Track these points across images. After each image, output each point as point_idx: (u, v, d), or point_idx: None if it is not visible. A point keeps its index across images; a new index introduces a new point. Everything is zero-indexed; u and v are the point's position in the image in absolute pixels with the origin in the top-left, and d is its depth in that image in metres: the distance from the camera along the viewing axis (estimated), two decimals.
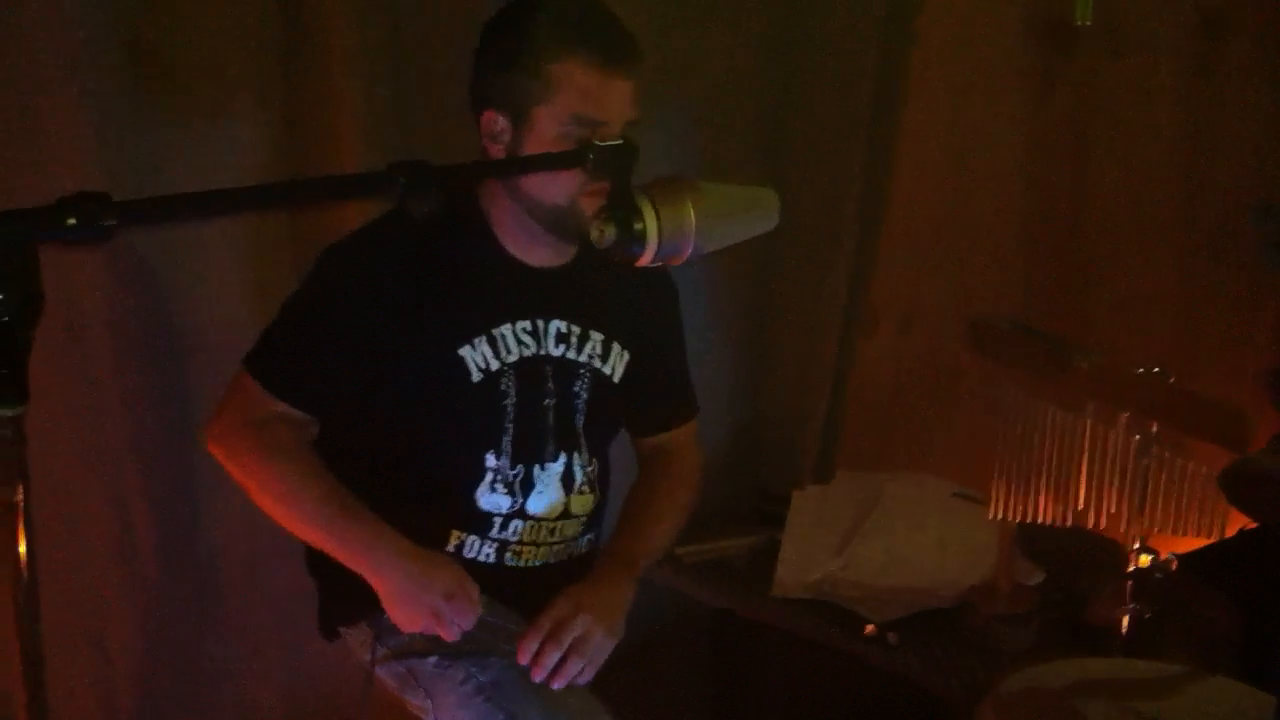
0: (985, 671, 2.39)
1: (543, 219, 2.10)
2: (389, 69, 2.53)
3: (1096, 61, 3.66)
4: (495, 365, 2.15)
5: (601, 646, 2.09)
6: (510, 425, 2.16)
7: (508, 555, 2.20)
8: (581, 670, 2.06)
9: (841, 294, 3.15)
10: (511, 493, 2.18)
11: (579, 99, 2.01)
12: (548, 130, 2.03)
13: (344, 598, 2.21)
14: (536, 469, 2.19)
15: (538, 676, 2.05)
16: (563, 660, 2.05)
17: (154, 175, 2.33)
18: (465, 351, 2.13)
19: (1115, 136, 3.79)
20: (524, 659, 2.06)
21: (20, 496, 1.23)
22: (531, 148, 2.05)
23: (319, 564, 2.22)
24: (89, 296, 2.35)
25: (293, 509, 2.11)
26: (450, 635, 2.06)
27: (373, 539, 2.07)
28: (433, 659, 2.12)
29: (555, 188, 2.05)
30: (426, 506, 2.13)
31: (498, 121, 2.07)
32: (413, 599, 2.05)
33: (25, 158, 2.24)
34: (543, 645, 2.06)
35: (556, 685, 2.05)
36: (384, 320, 2.10)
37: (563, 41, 2.02)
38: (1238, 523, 2.57)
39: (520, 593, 2.17)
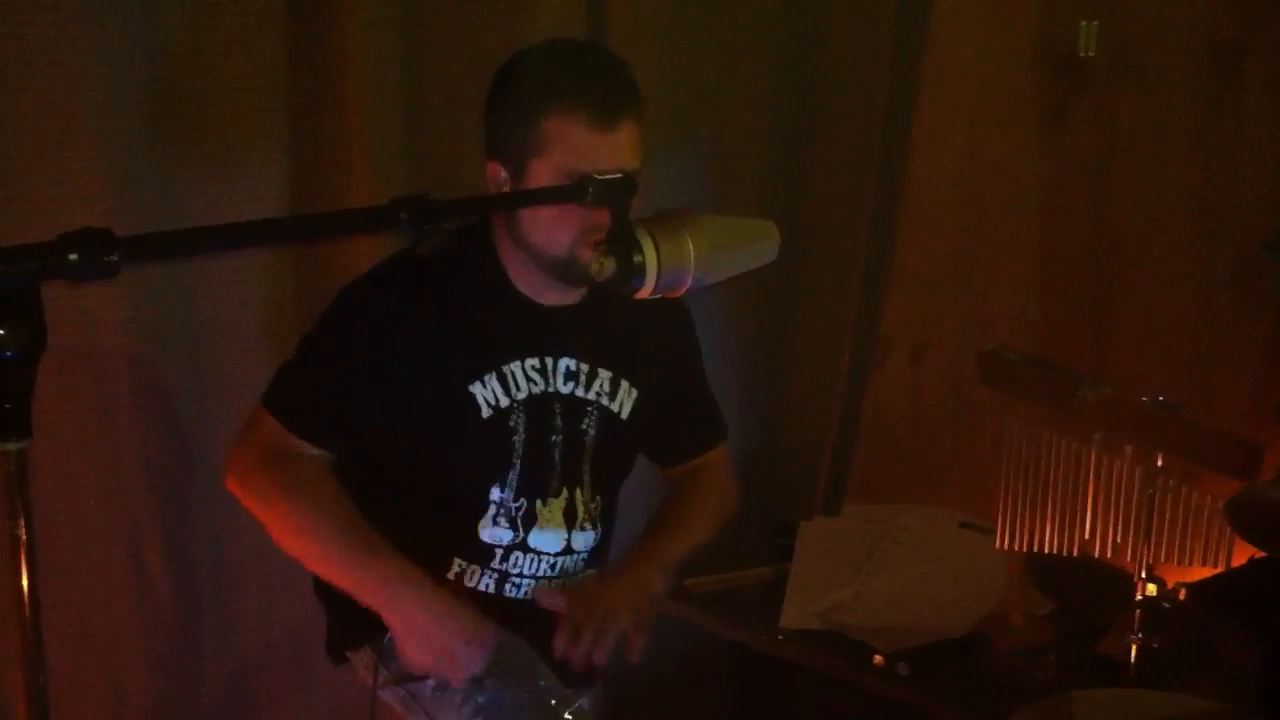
0: (1000, 704, 2.38)
1: (546, 268, 2.13)
2: (402, 105, 2.55)
3: (1109, 94, 3.67)
4: (505, 402, 2.16)
5: (629, 632, 2.10)
6: (518, 461, 2.18)
7: (507, 586, 2.22)
8: (607, 649, 2.08)
9: (851, 325, 3.15)
10: (513, 526, 2.19)
11: (571, 154, 2.02)
12: (542, 184, 2.05)
13: (350, 622, 2.23)
14: (539, 503, 2.21)
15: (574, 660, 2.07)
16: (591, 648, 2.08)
17: (169, 217, 2.36)
18: (476, 388, 2.15)
19: (1131, 169, 3.79)
20: (560, 650, 2.08)
21: (23, 531, 1.23)
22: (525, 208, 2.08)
23: (327, 589, 2.23)
24: (105, 334, 2.37)
25: (312, 545, 2.12)
26: (457, 680, 2.08)
27: (393, 576, 2.07)
28: (431, 682, 2.13)
29: (553, 239, 2.08)
30: (428, 536, 2.14)
31: (500, 172, 2.10)
32: (428, 638, 2.06)
33: (42, 199, 2.27)
34: (570, 644, 2.07)
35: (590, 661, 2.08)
36: (398, 357, 2.12)
37: (556, 96, 2.03)
38: (1246, 552, 2.56)
39: (520, 623, 2.18)
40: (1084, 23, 3.43)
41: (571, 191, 1.61)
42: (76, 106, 2.27)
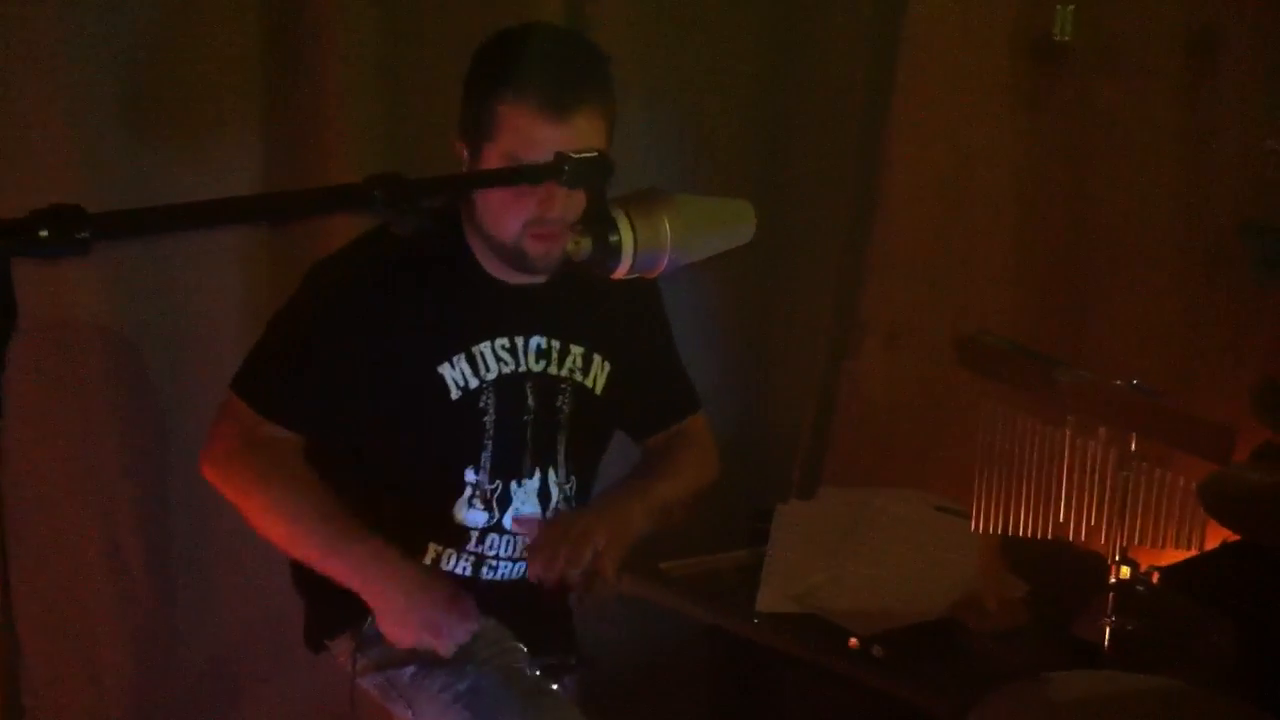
0: (975, 687, 2.39)
1: (498, 253, 2.13)
2: (379, 90, 2.55)
3: (1088, 81, 3.67)
4: (474, 383, 2.16)
5: (612, 545, 2.10)
6: (489, 442, 2.18)
7: (484, 569, 2.22)
8: (581, 564, 2.08)
9: (829, 311, 3.16)
10: (489, 508, 2.20)
11: (516, 141, 2.02)
12: (490, 168, 2.05)
13: (328, 611, 2.23)
14: (514, 485, 2.21)
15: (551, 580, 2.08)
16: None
17: (143, 197, 2.35)
18: (444, 369, 2.15)
19: (1109, 157, 3.80)
20: (533, 574, 2.09)
21: None
22: (477, 191, 2.09)
23: (304, 578, 2.23)
24: (82, 318, 2.36)
25: (289, 530, 2.12)
26: (444, 649, 2.07)
27: (369, 557, 2.08)
28: (410, 669, 2.13)
29: (501, 225, 2.09)
30: (404, 520, 2.15)
31: (462, 152, 2.11)
32: (407, 614, 2.07)
33: (15, 179, 2.26)
34: (545, 562, 2.08)
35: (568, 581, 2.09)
36: (367, 338, 2.12)
37: (506, 82, 2.03)
38: (1218, 535, 2.57)
39: (497, 606, 2.18)
40: (1060, 6, 3.43)
41: (548, 170, 1.60)
42: (50, 89, 2.26)
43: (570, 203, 2.04)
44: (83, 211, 1.19)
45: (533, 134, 2.01)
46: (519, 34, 2.15)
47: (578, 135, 2.02)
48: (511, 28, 2.17)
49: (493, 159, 2.05)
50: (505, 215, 2.08)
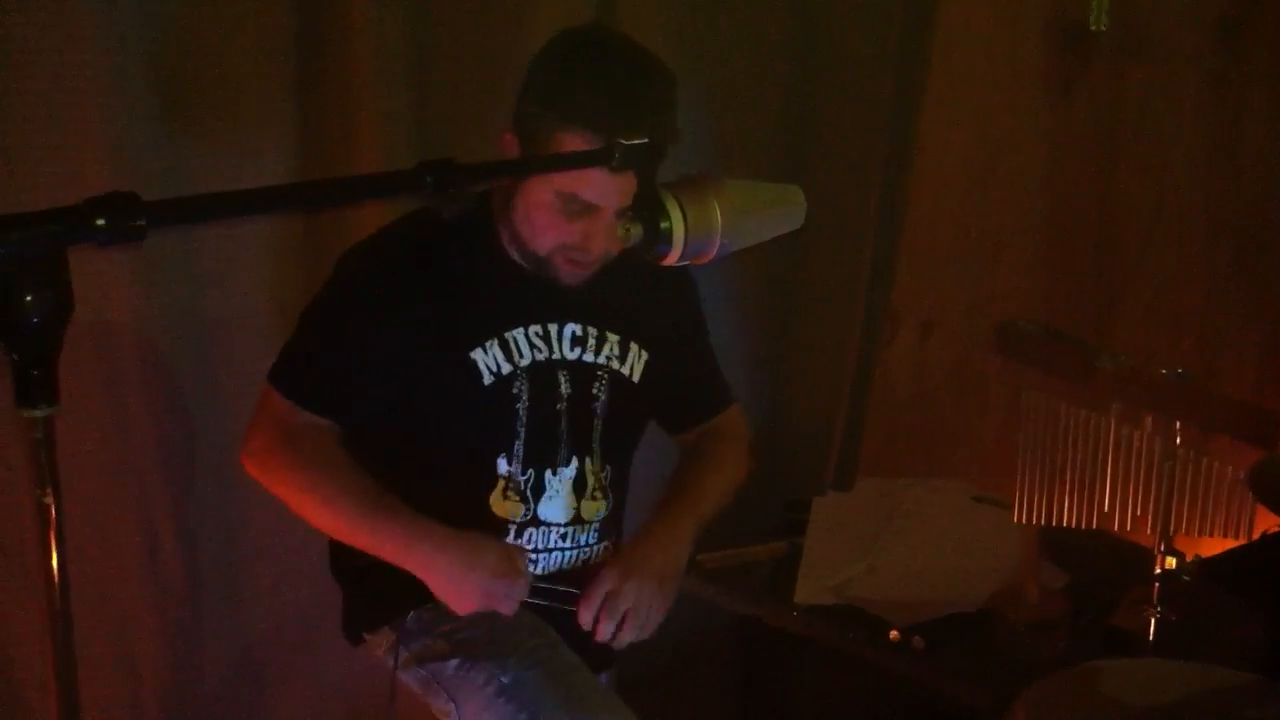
0: (1015, 678, 2.38)
1: (522, 254, 2.12)
2: (408, 80, 2.53)
3: (1118, 69, 3.66)
4: (507, 369, 2.15)
5: (654, 611, 2.09)
6: (522, 430, 2.16)
7: None
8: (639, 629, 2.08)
9: (862, 301, 3.14)
10: (524, 500, 2.18)
11: (573, 177, 1.98)
12: (539, 192, 2.02)
13: (369, 603, 2.22)
14: (548, 474, 2.19)
15: (600, 638, 2.07)
16: (619, 627, 2.07)
17: (175, 188, 2.34)
18: (477, 354, 2.13)
19: (1139, 144, 3.79)
20: (585, 624, 2.07)
21: (50, 499, 1.22)
22: (523, 196, 2.06)
23: (344, 569, 2.22)
24: (116, 311, 2.35)
25: (330, 512, 2.11)
26: (507, 610, 2.05)
27: (413, 533, 2.06)
28: (454, 661, 2.11)
29: (537, 238, 2.07)
30: (439, 512, 2.11)
31: (514, 147, 2.06)
32: (462, 583, 2.04)
33: (49, 171, 2.25)
34: (597, 617, 2.06)
35: (616, 646, 2.08)
36: (399, 324, 2.11)
37: (571, 115, 1.96)
38: (1260, 525, 2.55)
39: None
40: None
41: (598, 156, 1.59)
42: (84, 80, 2.25)
43: (612, 239, 2.01)
44: (138, 199, 1.18)
45: (591, 176, 1.97)
46: (591, 54, 2.07)
47: (629, 184, 1.94)
48: (585, 38, 2.11)
49: (539, 184, 2.02)
50: (545, 232, 2.06)
